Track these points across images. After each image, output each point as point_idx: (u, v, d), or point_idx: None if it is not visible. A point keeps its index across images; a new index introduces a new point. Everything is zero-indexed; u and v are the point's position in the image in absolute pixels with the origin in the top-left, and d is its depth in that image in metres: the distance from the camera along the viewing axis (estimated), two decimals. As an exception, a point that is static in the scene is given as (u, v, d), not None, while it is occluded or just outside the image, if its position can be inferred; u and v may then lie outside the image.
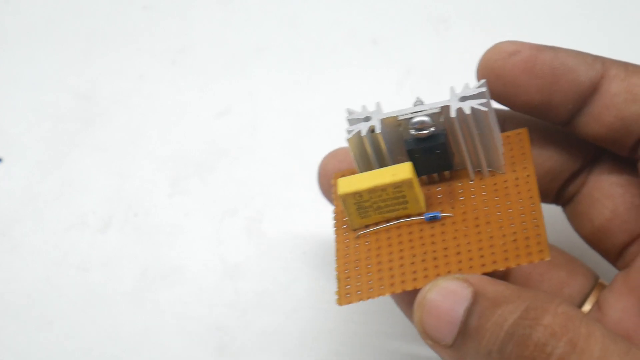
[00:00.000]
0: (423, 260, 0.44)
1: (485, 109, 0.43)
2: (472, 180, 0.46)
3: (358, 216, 0.46)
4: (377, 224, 0.46)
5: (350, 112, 0.46)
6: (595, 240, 0.49)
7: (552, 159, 0.49)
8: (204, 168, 0.66)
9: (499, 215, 0.44)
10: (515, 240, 0.43)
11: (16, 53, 0.72)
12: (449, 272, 0.43)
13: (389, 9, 0.72)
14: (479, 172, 0.46)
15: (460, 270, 0.43)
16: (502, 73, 0.45)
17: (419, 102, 0.45)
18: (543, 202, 0.50)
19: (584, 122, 0.46)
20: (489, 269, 0.42)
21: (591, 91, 0.45)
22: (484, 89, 0.44)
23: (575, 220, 0.49)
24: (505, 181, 0.45)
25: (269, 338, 0.58)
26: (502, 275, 0.49)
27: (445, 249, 0.44)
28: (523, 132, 0.47)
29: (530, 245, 0.42)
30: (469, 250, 0.43)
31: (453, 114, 0.44)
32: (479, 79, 0.46)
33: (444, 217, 0.45)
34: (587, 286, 0.49)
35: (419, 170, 0.46)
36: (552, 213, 0.51)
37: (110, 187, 0.65)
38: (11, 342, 0.59)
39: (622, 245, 0.48)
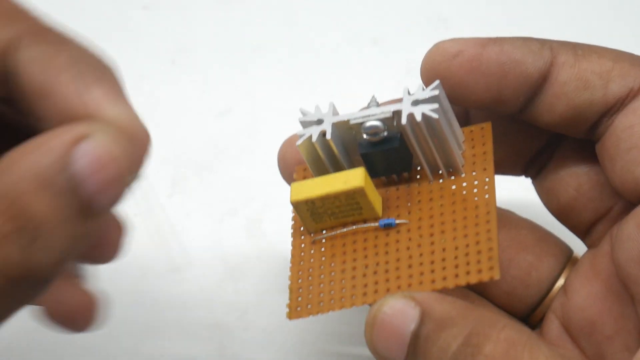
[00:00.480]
0: (375, 273, 0.43)
1: (436, 115, 0.42)
2: (431, 181, 0.45)
3: (312, 221, 0.45)
4: (332, 228, 0.45)
5: (303, 112, 0.45)
6: (562, 216, 0.48)
7: (518, 135, 0.48)
8: (204, 168, 0.66)
9: (454, 225, 0.43)
10: (467, 254, 0.42)
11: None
12: (399, 287, 0.42)
13: (390, 8, 0.72)
14: (438, 173, 0.45)
15: (410, 286, 0.42)
16: (448, 75, 0.44)
17: (373, 102, 0.44)
18: (511, 175, 0.49)
19: (536, 112, 0.45)
20: (439, 286, 0.42)
21: (541, 81, 0.44)
22: (436, 93, 0.43)
23: (543, 195, 0.49)
24: (464, 184, 0.44)
25: (270, 338, 0.58)
26: None
27: (398, 260, 0.43)
28: (486, 128, 0.45)
29: (482, 261, 0.41)
30: (421, 264, 0.42)
31: (404, 120, 0.42)
32: (423, 81, 0.45)
33: (400, 224, 0.44)
34: (557, 267, 0.48)
35: (375, 171, 0.45)
36: (528, 183, 0.50)
37: (110, 187, 0.64)
38: (10, 342, 0.59)
39: (589, 222, 0.47)
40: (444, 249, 0.42)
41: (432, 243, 0.43)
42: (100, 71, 0.38)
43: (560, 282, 0.48)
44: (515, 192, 0.52)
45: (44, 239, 0.34)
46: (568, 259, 0.49)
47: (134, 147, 0.37)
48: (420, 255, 0.42)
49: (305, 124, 0.45)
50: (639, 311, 0.44)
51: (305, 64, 0.69)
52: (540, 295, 0.48)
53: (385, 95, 0.67)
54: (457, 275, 0.41)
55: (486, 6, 0.71)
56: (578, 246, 0.50)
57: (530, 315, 0.48)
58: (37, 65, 0.37)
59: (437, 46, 0.44)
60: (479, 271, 0.41)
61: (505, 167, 0.49)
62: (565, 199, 0.47)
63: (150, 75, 0.70)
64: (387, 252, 0.43)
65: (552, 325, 0.47)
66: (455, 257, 0.42)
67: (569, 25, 0.69)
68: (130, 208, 0.64)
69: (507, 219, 0.49)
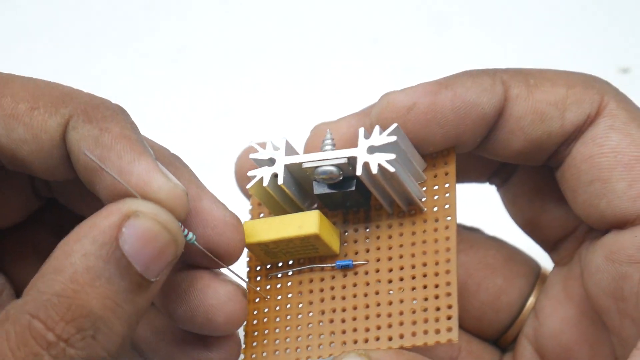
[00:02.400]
0: (331, 321, 0.42)
1: (392, 169, 0.40)
2: (390, 216, 0.43)
3: (267, 257, 0.43)
4: (288, 264, 0.43)
5: (256, 148, 0.43)
6: (528, 230, 0.47)
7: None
8: (204, 168, 0.66)
9: (413, 272, 0.41)
10: (425, 309, 0.40)
11: (16, 53, 0.72)
12: (355, 341, 0.41)
13: (390, 8, 0.72)
14: (398, 208, 0.43)
15: (366, 341, 0.41)
16: (403, 129, 0.42)
17: (328, 140, 0.42)
18: (475, 182, 0.48)
19: (493, 148, 0.43)
20: (395, 345, 0.40)
21: (496, 117, 0.42)
22: (393, 139, 0.41)
23: (508, 206, 0.47)
24: (425, 221, 0.42)
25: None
26: None
27: (355, 308, 0.42)
28: (449, 159, 0.43)
29: (440, 320, 0.40)
30: (378, 315, 0.41)
31: (359, 171, 0.40)
32: (380, 125, 0.43)
33: (358, 265, 0.42)
34: (527, 288, 0.47)
35: (333, 206, 0.43)
36: (493, 192, 0.49)
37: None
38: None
39: (555, 239, 0.46)
40: (401, 301, 0.41)
41: (391, 292, 0.41)
42: (140, 146, 0.39)
43: (531, 301, 0.47)
44: (485, 199, 0.51)
45: (105, 329, 0.36)
46: (537, 276, 0.47)
47: (176, 216, 0.38)
48: (378, 305, 0.41)
49: (257, 162, 0.43)
50: (613, 340, 0.43)
51: (305, 63, 0.69)
52: (511, 317, 0.47)
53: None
54: (414, 334, 0.40)
55: (486, 5, 0.71)
56: (546, 257, 0.49)
57: (502, 337, 0.48)
58: (87, 145, 0.38)
59: (387, 101, 0.42)
60: (437, 332, 0.40)
61: (469, 175, 0.47)
62: (529, 215, 0.46)
63: (150, 75, 0.70)
64: (344, 298, 0.42)
65: (525, 351, 0.46)
66: (413, 312, 0.40)
67: (569, 24, 0.69)
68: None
69: (474, 240, 0.48)
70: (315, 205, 0.44)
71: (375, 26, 0.71)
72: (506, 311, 0.47)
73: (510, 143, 0.43)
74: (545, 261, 0.48)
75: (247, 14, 0.73)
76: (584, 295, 0.44)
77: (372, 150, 0.41)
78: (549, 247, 0.47)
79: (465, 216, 0.56)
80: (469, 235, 0.48)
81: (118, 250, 0.36)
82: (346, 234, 0.43)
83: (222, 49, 0.71)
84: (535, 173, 0.45)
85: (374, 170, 0.40)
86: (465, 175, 0.47)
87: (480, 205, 0.51)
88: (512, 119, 0.42)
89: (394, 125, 0.41)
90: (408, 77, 0.68)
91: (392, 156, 0.40)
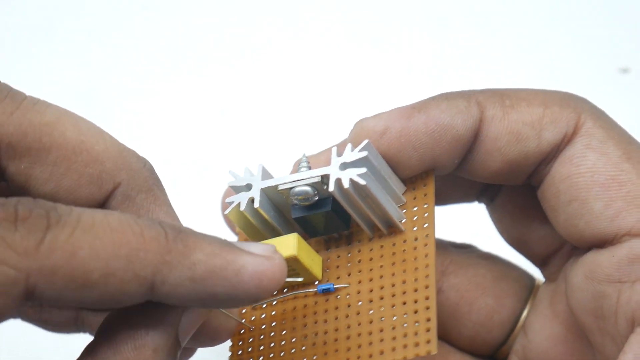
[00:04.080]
0: (313, 345, 0.42)
1: (363, 182, 0.40)
2: (371, 239, 0.43)
3: None
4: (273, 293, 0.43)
5: (233, 175, 0.43)
6: (517, 247, 0.47)
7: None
8: (204, 168, 0.66)
9: (393, 290, 0.41)
10: (404, 324, 0.40)
11: (16, 53, 0.72)
12: None
13: (390, 8, 0.72)
14: (378, 229, 0.43)
15: None
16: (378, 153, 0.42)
17: (303, 163, 0.43)
18: (464, 203, 0.48)
19: (470, 169, 0.43)
20: None
21: (473, 139, 0.42)
22: (364, 154, 0.41)
23: (496, 223, 0.47)
24: (404, 241, 0.42)
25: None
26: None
27: (336, 330, 0.42)
28: (428, 181, 0.43)
29: (419, 333, 0.40)
30: (359, 335, 0.41)
31: (331, 187, 0.40)
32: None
33: (339, 288, 0.42)
34: (519, 306, 0.47)
35: (313, 231, 0.43)
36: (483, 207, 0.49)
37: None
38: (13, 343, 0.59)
39: (543, 255, 0.46)
40: (382, 318, 0.41)
41: (371, 311, 0.41)
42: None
43: (525, 315, 0.47)
44: (482, 212, 0.51)
45: None
46: (530, 291, 0.47)
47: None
48: (359, 324, 0.41)
49: (235, 189, 0.43)
50: (597, 358, 0.43)
51: (305, 63, 0.70)
52: (504, 335, 0.47)
53: (384, 94, 0.67)
54: (394, 349, 0.40)
55: (486, 5, 0.71)
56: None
57: (497, 353, 0.48)
58: (143, 212, 0.39)
59: (361, 126, 0.42)
60: (416, 344, 0.40)
61: (457, 196, 0.47)
62: (516, 234, 0.46)
63: (150, 75, 0.70)
64: (326, 321, 0.42)
65: None
66: (393, 328, 0.41)
67: (569, 24, 0.69)
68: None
69: (465, 260, 0.48)
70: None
71: (375, 26, 0.71)
72: (499, 329, 0.47)
73: (488, 164, 0.43)
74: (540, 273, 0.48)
75: (247, 14, 0.73)
76: (570, 313, 0.44)
77: (344, 166, 0.41)
78: (539, 263, 0.47)
79: (462, 229, 0.56)
80: (460, 254, 0.48)
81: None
82: (328, 260, 0.44)
83: (222, 49, 0.71)
84: (518, 192, 0.46)
85: (346, 184, 0.40)
86: (453, 195, 0.47)
87: (478, 218, 0.51)
88: (488, 140, 0.42)
89: (365, 141, 0.41)
90: (408, 77, 0.68)
91: (364, 169, 0.40)
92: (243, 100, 0.69)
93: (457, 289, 0.47)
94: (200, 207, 0.64)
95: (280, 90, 0.69)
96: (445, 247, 0.47)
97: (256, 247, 0.37)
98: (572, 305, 0.43)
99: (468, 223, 0.56)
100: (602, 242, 0.42)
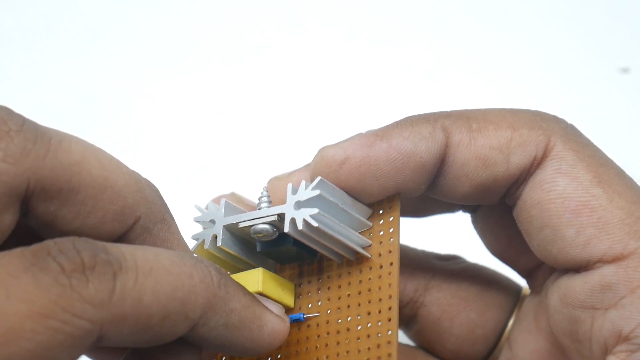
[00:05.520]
0: None
1: (315, 224, 0.40)
2: (339, 265, 0.43)
3: None
4: None
5: (198, 210, 0.44)
6: (501, 259, 0.47)
7: None
8: (204, 168, 0.66)
9: (359, 321, 0.41)
10: (367, 359, 0.41)
11: (16, 53, 0.72)
12: None
13: (390, 8, 0.72)
14: (345, 257, 0.43)
15: None
16: (338, 183, 0.41)
17: (264, 197, 0.43)
18: (448, 213, 0.47)
19: (441, 192, 0.43)
20: None
21: (439, 164, 0.42)
22: (317, 192, 0.41)
23: (480, 234, 0.47)
24: (370, 268, 0.42)
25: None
26: (409, 319, 0.47)
27: None
28: (394, 204, 0.43)
29: None
30: None
31: (286, 228, 0.41)
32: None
33: (309, 318, 0.43)
34: (503, 318, 0.47)
35: (282, 261, 0.43)
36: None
37: (110, 187, 0.65)
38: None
39: (528, 268, 0.46)
40: (347, 351, 0.41)
41: (338, 343, 0.42)
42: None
43: (510, 326, 0.47)
44: (465, 224, 0.51)
45: None
46: (515, 302, 0.47)
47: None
48: (327, 357, 0.42)
49: (201, 224, 0.43)
50: None
51: (305, 64, 0.70)
52: (488, 348, 0.47)
53: (384, 94, 0.67)
54: None
55: (486, 5, 0.71)
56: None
57: None
58: (159, 242, 0.40)
59: (321, 156, 0.42)
60: None
61: (440, 207, 0.47)
62: (499, 247, 0.46)
63: (150, 75, 0.70)
64: (297, 352, 0.42)
65: None
66: None
67: (569, 23, 0.69)
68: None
69: (448, 273, 0.47)
70: (273, 262, 0.44)
71: (375, 26, 0.71)
72: (482, 343, 0.47)
73: (457, 188, 0.42)
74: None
75: (247, 14, 0.73)
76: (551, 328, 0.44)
77: (298, 205, 0.41)
78: (524, 275, 0.46)
79: (449, 238, 0.55)
80: (444, 267, 0.47)
81: None
82: (301, 286, 0.44)
83: (222, 49, 0.71)
84: (497, 209, 0.45)
85: (300, 226, 0.40)
86: (436, 206, 0.46)
87: (464, 227, 0.51)
88: (455, 166, 0.42)
89: (318, 179, 0.41)
90: (408, 77, 0.68)
91: (315, 210, 0.40)
92: (243, 101, 0.69)
93: (440, 303, 0.46)
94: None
95: (281, 90, 0.69)
96: (428, 260, 0.47)
97: (273, 307, 0.39)
98: (551, 325, 0.43)
99: (455, 232, 0.56)
100: (576, 267, 0.41)
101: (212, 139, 0.67)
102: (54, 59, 0.72)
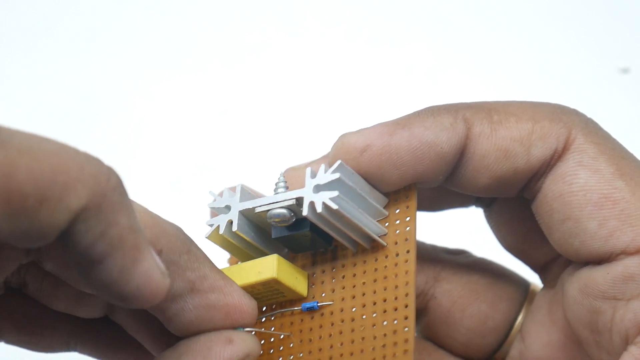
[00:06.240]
0: None
1: (335, 206, 0.40)
2: (354, 254, 0.43)
3: None
4: (261, 309, 0.43)
5: (212, 196, 0.43)
6: (515, 254, 0.47)
7: None
8: (203, 168, 0.66)
9: (374, 308, 0.41)
10: (384, 345, 0.40)
11: (16, 53, 0.72)
12: None
13: (390, 8, 0.72)
14: (361, 245, 0.42)
15: None
16: (358, 171, 0.41)
17: (281, 182, 0.42)
18: (462, 207, 0.47)
19: (459, 184, 0.42)
20: None
21: (459, 156, 0.41)
22: (337, 176, 0.40)
23: (493, 229, 0.47)
24: (386, 256, 0.42)
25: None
26: (419, 313, 0.47)
27: (320, 350, 0.42)
28: (411, 194, 0.42)
29: (397, 355, 0.40)
30: (341, 355, 0.41)
31: (305, 211, 0.40)
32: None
33: (323, 306, 0.42)
34: (513, 310, 0.47)
35: (297, 249, 0.43)
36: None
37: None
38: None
39: (541, 263, 0.46)
40: (362, 338, 0.41)
41: (353, 330, 0.41)
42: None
43: (519, 321, 0.46)
44: (474, 220, 0.51)
45: None
46: (525, 296, 0.47)
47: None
48: (341, 344, 0.41)
49: (215, 210, 0.43)
50: None
51: (305, 64, 0.70)
52: (498, 341, 0.47)
53: (384, 94, 0.67)
54: None
55: (486, 4, 0.71)
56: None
57: (491, 358, 0.47)
58: (189, 272, 0.40)
59: (341, 142, 0.41)
60: None
61: (453, 201, 0.47)
62: (514, 241, 0.46)
63: (150, 75, 0.70)
64: (310, 340, 0.42)
65: None
66: (373, 349, 0.41)
67: (569, 24, 0.69)
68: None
69: (458, 266, 0.47)
70: (287, 251, 0.44)
71: (375, 26, 0.71)
72: (493, 335, 0.47)
73: (476, 180, 0.42)
74: (536, 278, 0.48)
75: (246, 14, 0.73)
76: (567, 320, 0.44)
77: (317, 189, 0.40)
78: (537, 269, 0.46)
79: (457, 234, 0.55)
80: (453, 260, 0.47)
81: None
82: (314, 275, 0.43)
83: (222, 49, 0.71)
84: (513, 202, 0.45)
85: (319, 209, 0.40)
86: (449, 201, 0.46)
87: (473, 223, 0.51)
88: (475, 157, 0.42)
89: (338, 162, 0.41)
90: (408, 77, 0.68)
91: (335, 193, 0.40)
92: (243, 101, 0.69)
93: (450, 295, 0.46)
94: (200, 207, 0.64)
95: (281, 90, 0.69)
96: (437, 253, 0.47)
97: (161, 263, 0.37)
98: (568, 317, 0.43)
99: (463, 228, 0.56)
100: (598, 260, 0.41)
101: (212, 139, 0.67)
102: (54, 59, 0.72)
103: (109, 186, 0.35)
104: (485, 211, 0.47)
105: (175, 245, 0.39)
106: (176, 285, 0.38)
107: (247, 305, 0.40)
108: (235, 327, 0.40)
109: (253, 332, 0.42)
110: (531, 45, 0.70)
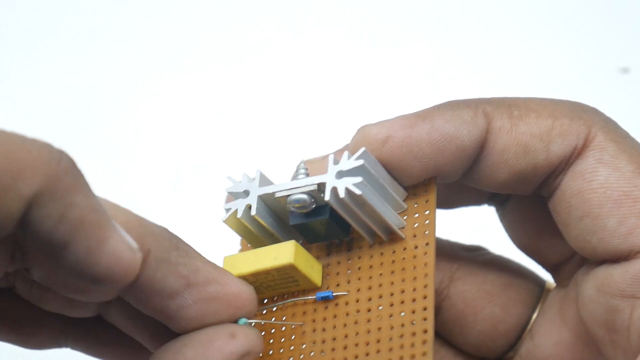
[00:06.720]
0: (311, 354, 0.41)
1: (358, 192, 0.40)
2: (371, 246, 0.42)
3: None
4: (272, 298, 0.43)
5: (231, 181, 0.43)
6: (528, 253, 0.46)
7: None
8: (204, 168, 0.66)
9: (391, 299, 0.41)
10: (401, 335, 0.40)
11: (16, 53, 0.72)
12: None
13: (390, 8, 0.72)
14: (378, 236, 0.42)
15: None
16: (379, 161, 0.41)
17: (301, 169, 0.42)
18: (475, 205, 0.47)
19: (477, 179, 0.42)
20: None
21: (479, 150, 0.42)
22: (360, 162, 0.40)
23: (506, 228, 0.47)
24: (404, 249, 0.42)
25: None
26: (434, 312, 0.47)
27: (334, 339, 0.41)
28: (430, 187, 0.43)
29: (416, 345, 0.40)
30: (356, 345, 0.41)
31: (327, 197, 0.40)
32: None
33: (338, 296, 0.42)
34: (525, 314, 0.46)
35: (313, 238, 0.43)
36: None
37: (109, 188, 0.65)
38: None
39: (555, 262, 0.46)
40: (379, 328, 0.41)
41: (369, 320, 0.41)
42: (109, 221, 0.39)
43: (532, 322, 0.46)
44: (489, 216, 0.51)
45: None
46: (539, 297, 0.47)
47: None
48: (357, 334, 0.41)
49: (233, 195, 0.42)
50: None
51: (305, 63, 0.70)
52: (509, 343, 0.47)
53: (384, 95, 0.67)
54: None
55: (486, 5, 0.71)
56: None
57: (503, 358, 0.47)
58: (181, 268, 0.40)
59: (362, 133, 0.41)
60: (412, 357, 0.39)
61: (467, 199, 0.47)
62: (527, 241, 0.46)
63: (150, 75, 0.70)
64: (324, 329, 0.42)
65: None
66: (390, 339, 0.40)
67: (569, 24, 0.69)
68: (129, 208, 0.64)
69: (474, 266, 0.47)
70: (302, 241, 0.43)
71: (375, 26, 0.71)
72: (504, 338, 0.46)
73: (495, 175, 0.42)
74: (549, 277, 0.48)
75: (246, 14, 0.73)
76: (579, 320, 0.44)
77: (340, 175, 0.40)
78: (550, 269, 0.46)
79: (473, 230, 0.55)
80: (469, 259, 0.47)
81: None
82: (329, 266, 0.43)
83: (222, 49, 0.71)
84: (528, 200, 0.45)
85: (342, 194, 0.40)
86: (462, 199, 0.46)
87: (489, 219, 0.51)
88: (495, 152, 0.42)
89: (362, 149, 0.41)
90: (408, 77, 0.68)
91: (359, 179, 0.40)
92: (243, 101, 0.69)
93: (464, 297, 0.46)
94: (200, 207, 0.64)
95: (280, 90, 0.69)
96: (454, 250, 0.47)
97: (128, 236, 0.36)
98: (583, 316, 0.43)
99: (479, 224, 0.56)
100: (616, 258, 0.41)
101: (212, 139, 0.67)
102: (54, 59, 0.72)
103: (60, 169, 0.34)
104: (498, 210, 0.47)
105: (163, 244, 0.38)
106: (171, 283, 0.38)
107: (246, 292, 0.39)
108: (239, 317, 0.39)
109: (263, 322, 0.42)
110: (531, 45, 0.70)
